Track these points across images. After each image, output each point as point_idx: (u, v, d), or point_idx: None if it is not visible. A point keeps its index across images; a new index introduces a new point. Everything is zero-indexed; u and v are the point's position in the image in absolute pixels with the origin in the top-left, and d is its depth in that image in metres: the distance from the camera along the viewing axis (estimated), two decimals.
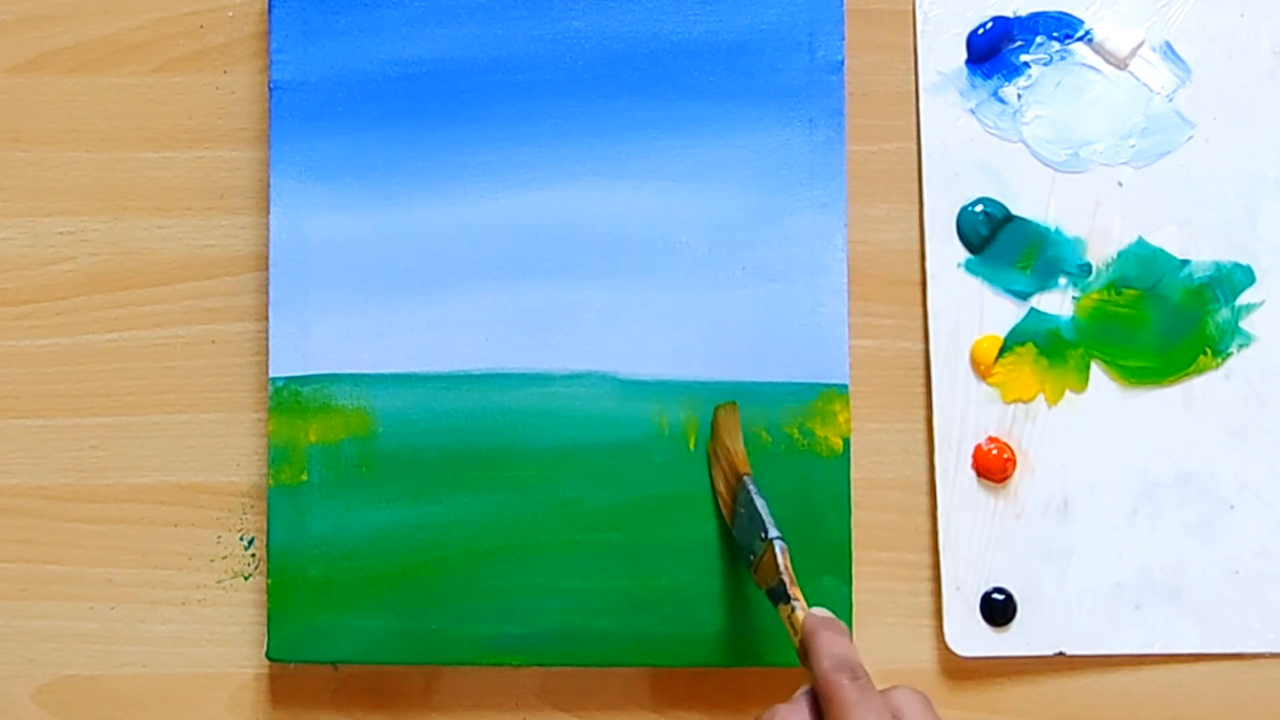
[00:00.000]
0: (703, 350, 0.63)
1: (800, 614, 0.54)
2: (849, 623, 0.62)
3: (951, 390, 0.64)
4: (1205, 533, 0.60)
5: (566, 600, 0.62)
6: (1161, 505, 0.63)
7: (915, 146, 0.65)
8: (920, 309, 0.65)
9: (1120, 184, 0.65)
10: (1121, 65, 0.65)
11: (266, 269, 0.63)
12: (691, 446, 0.62)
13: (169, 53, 0.66)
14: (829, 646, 0.52)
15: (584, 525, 0.62)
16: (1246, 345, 0.64)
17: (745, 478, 0.59)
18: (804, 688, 0.52)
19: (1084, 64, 0.65)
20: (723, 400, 0.62)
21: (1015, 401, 0.64)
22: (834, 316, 0.63)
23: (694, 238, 0.63)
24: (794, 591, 0.55)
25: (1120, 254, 0.64)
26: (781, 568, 0.55)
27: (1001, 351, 0.64)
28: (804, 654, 0.53)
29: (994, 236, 0.64)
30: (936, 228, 0.65)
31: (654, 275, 0.63)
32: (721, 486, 0.61)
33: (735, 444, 0.60)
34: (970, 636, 0.63)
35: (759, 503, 0.57)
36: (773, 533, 0.56)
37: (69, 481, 0.65)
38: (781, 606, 0.55)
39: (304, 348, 0.63)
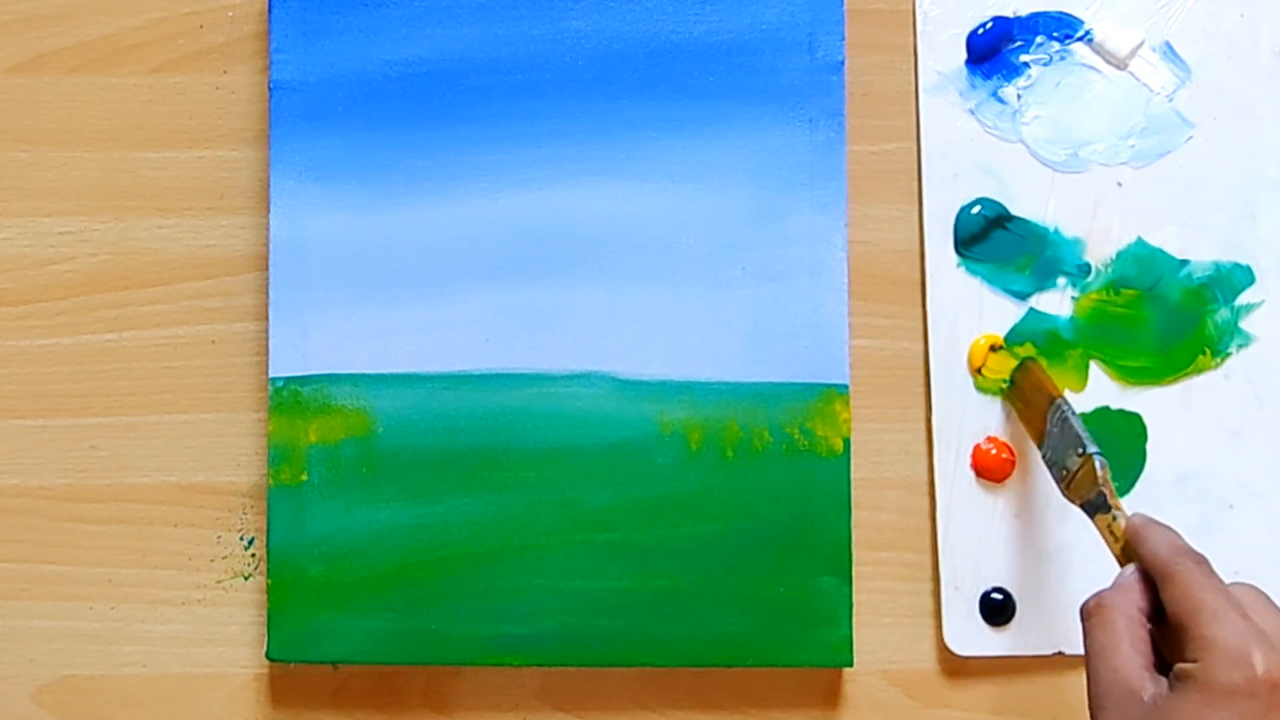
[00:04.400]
0: (703, 350, 0.63)
1: (1122, 521, 0.56)
2: (849, 622, 0.62)
3: (951, 390, 0.64)
4: (1205, 533, 0.60)
5: (566, 600, 0.62)
6: (1161, 505, 0.63)
7: (915, 146, 0.65)
8: (920, 309, 0.65)
9: (1120, 184, 0.65)
10: (1121, 65, 0.65)
11: (266, 269, 0.63)
12: (692, 447, 0.62)
13: (169, 53, 0.66)
14: (1166, 537, 0.54)
15: (584, 525, 0.62)
16: (1246, 345, 0.64)
17: (1059, 399, 0.60)
18: (1129, 569, 0.54)
19: (1084, 64, 0.65)
20: (721, 399, 0.62)
21: None
22: (834, 316, 0.63)
23: (694, 238, 0.63)
24: (1115, 502, 0.57)
25: (1119, 254, 0.64)
26: (1101, 480, 0.57)
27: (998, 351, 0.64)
28: (1134, 547, 0.55)
29: (993, 236, 0.64)
30: (936, 228, 0.65)
31: (654, 275, 0.63)
32: (1030, 415, 0.62)
33: (1046, 378, 0.62)
34: (969, 636, 0.63)
35: (1074, 421, 0.59)
36: (1091, 448, 0.58)
37: (69, 481, 0.65)
38: (1100, 517, 0.57)
39: (304, 348, 0.63)
